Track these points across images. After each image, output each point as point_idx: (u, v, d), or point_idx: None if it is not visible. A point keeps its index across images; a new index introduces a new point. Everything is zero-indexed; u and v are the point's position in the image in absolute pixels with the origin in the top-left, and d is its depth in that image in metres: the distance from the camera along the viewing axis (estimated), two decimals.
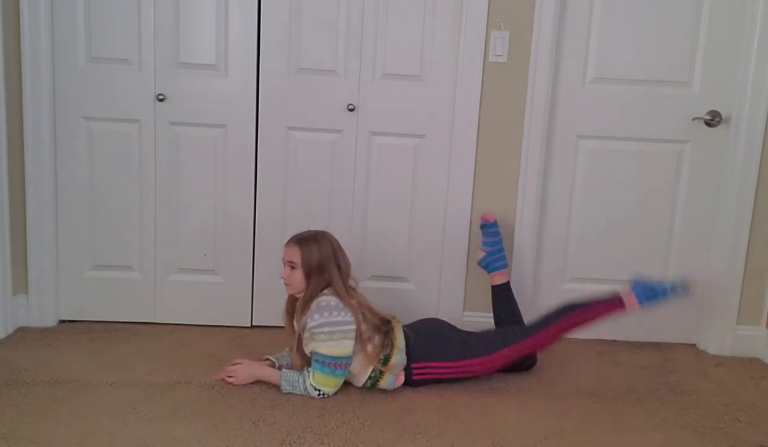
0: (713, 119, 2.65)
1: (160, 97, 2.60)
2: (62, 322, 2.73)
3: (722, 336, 2.75)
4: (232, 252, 2.74)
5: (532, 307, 2.75)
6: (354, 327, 2.15)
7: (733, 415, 2.24)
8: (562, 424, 2.12)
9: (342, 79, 2.63)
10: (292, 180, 2.70)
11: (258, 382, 2.25)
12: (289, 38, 2.60)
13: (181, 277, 2.75)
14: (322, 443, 1.93)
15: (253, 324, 2.79)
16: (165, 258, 2.73)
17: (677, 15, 2.61)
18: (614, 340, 2.81)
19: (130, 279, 2.74)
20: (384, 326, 2.24)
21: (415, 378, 2.26)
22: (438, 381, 2.28)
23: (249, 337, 2.68)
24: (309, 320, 2.15)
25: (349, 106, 2.64)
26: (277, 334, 2.44)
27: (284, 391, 2.20)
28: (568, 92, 2.66)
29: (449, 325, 2.41)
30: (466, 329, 2.45)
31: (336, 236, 2.30)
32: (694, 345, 2.82)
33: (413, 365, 2.25)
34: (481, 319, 2.58)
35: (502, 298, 2.53)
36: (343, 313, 2.15)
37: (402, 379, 2.25)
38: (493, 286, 2.55)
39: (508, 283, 2.54)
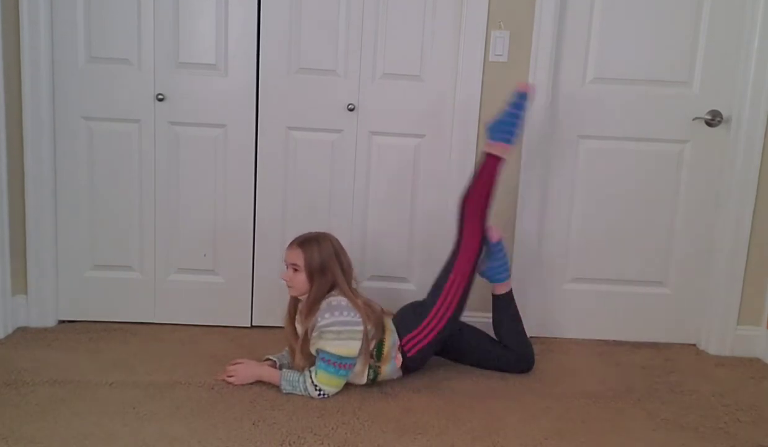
0: (714, 119, 2.65)
1: (160, 96, 2.60)
2: (62, 322, 2.73)
3: (722, 336, 2.75)
4: (232, 252, 2.74)
5: (533, 307, 2.76)
6: (361, 328, 2.17)
7: (734, 416, 2.24)
8: (562, 424, 2.12)
9: (342, 78, 2.63)
10: (292, 180, 2.70)
11: (258, 382, 2.25)
12: (289, 38, 2.60)
13: (181, 277, 2.75)
14: (322, 443, 1.93)
15: (253, 324, 2.79)
16: (165, 258, 2.73)
17: (677, 15, 2.61)
18: (614, 340, 2.81)
19: (129, 279, 2.74)
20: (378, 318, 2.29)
21: (409, 354, 2.30)
22: (431, 348, 2.33)
23: (249, 337, 2.68)
24: (319, 319, 2.17)
25: (349, 106, 2.64)
26: (277, 334, 2.44)
27: (284, 391, 2.20)
28: (568, 92, 2.66)
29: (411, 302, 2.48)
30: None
31: (336, 236, 2.31)
32: (694, 345, 2.82)
33: (402, 342, 2.30)
34: (481, 319, 2.57)
35: (504, 308, 2.51)
36: (352, 314, 2.17)
37: (400, 358, 2.29)
38: (494, 296, 2.52)
39: (511, 292, 2.53)
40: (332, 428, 2.01)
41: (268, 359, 2.34)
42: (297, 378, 2.19)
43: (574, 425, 2.12)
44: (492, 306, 2.52)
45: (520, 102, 2.39)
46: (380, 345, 2.25)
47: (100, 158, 2.65)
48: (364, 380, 2.26)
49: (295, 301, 2.30)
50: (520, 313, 2.55)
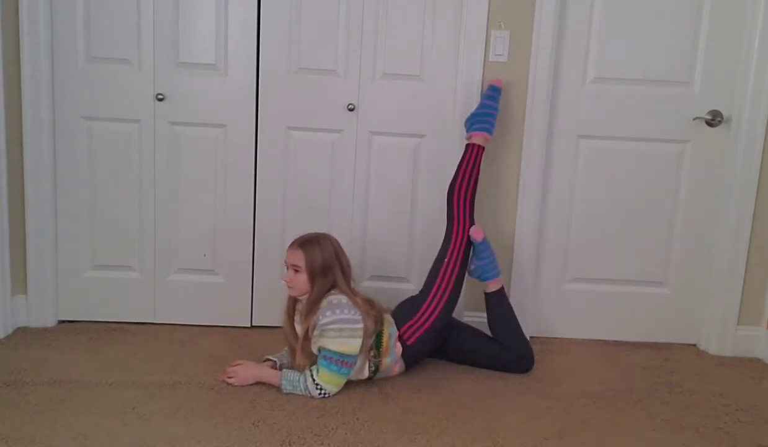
0: (714, 119, 2.64)
1: (160, 96, 2.60)
2: (62, 322, 2.73)
3: (723, 336, 2.75)
4: (232, 252, 2.74)
5: (533, 308, 2.76)
6: (362, 326, 2.18)
7: (734, 416, 2.24)
8: (562, 424, 2.12)
9: (342, 78, 2.63)
10: (292, 180, 2.70)
11: (258, 383, 2.25)
12: (289, 38, 2.60)
13: (180, 277, 2.75)
14: (322, 443, 1.93)
15: (253, 324, 2.79)
16: (165, 258, 2.73)
17: (678, 15, 2.61)
18: (614, 340, 2.81)
19: (129, 279, 2.74)
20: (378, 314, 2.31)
21: (408, 342, 2.32)
22: (429, 335, 2.35)
23: (249, 338, 2.68)
24: (321, 317, 2.18)
25: (349, 106, 2.64)
26: (277, 335, 2.44)
27: (284, 391, 2.20)
28: (568, 92, 2.66)
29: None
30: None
31: (336, 236, 2.32)
32: (694, 345, 2.82)
33: (400, 331, 2.32)
34: (482, 319, 2.58)
35: (496, 306, 2.51)
36: (353, 312, 2.18)
37: (400, 348, 2.31)
38: (486, 294, 2.53)
39: (502, 289, 2.53)
40: (332, 428, 2.01)
41: (268, 359, 2.34)
42: (297, 377, 2.19)
43: (574, 425, 2.12)
44: (485, 304, 2.53)
45: (494, 95, 2.54)
46: (379, 337, 2.26)
47: (100, 158, 2.65)
48: (366, 374, 2.27)
49: (293, 301, 2.31)
50: (521, 313, 2.55)
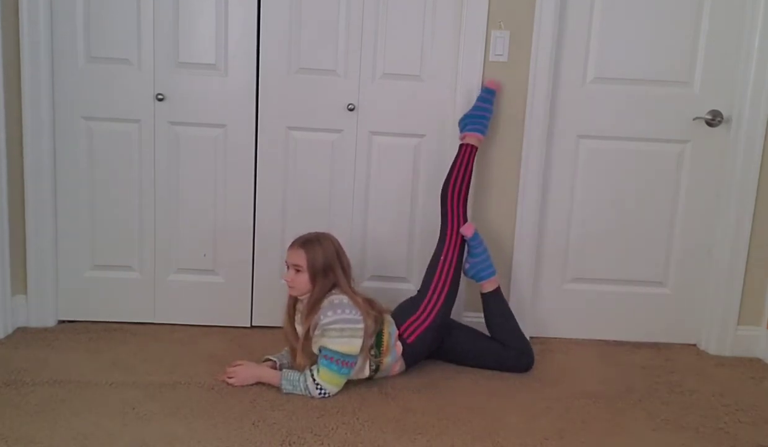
0: (714, 119, 2.64)
1: (160, 96, 2.60)
2: (62, 322, 2.73)
3: (723, 336, 2.75)
4: (232, 252, 2.74)
5: (533, 308, 2.76)
6: (362, 326, 2.19)
7: (734, 416, 2.24)
8: (562, 424, 2.12)
9: (342, 78, 2.63)
10: (292, 180, 2.70)
11: (258, 383, 2.25)
12: (289, 38, 2.60)
13: (180, 277, 2.75)
14: (322, 443, 1.93)
15: (253, 324, 2.79)
16: (164, 258, 2.73)
17: (678, 15, 2.61)
18: (614, 340, 2.81)
19: (129, 279, 2.74)
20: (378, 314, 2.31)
21: (409, 340, 2.33)
22: (429, 333, 2.36)
23: (249, 338, 2.68)
24: (322, 317, 2.18)
25: (349, 106, 2.64)
26: (277, 335, 2.44)
27: (284, 391, 2.20)
28: (568, 92, 2.66)
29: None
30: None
31: (336, 236, 2.32)
32: (694, 345, 2.82)
33: (400, 329, 2.33)
34: (481, 319, 2.57)
35: (494, 305, 2.51)
36: (354, 312, 2.18)
37: (400, 347, 2.31)
38: (483, 294, 2.53)
39: (498, 288, 2.53)
40: (332, 428, 2.01)
41: (268, 359, 2.35)
42: (297, 377, 2.19)
43: (574, 425, 2.12)
44: (482, 305, 2.53)
45: (489, 97, 2.55)
46: (379, 336, 2.27)
47: (100, 158, 2.65)
48: (367, 373, 2.27)
49: (294, 301, 2.31)
50: (521, 313, 2.56)
